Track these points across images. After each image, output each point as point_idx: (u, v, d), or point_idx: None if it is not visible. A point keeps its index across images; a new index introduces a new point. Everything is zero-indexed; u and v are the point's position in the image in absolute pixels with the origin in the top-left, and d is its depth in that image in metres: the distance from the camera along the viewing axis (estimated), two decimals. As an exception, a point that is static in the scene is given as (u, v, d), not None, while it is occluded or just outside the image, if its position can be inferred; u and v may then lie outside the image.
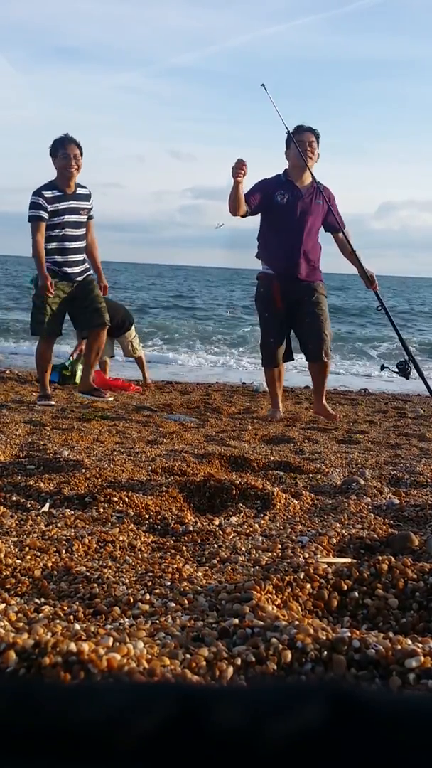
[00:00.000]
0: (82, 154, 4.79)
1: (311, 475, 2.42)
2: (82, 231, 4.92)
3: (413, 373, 4.58)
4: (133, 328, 6.75)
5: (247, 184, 4.47)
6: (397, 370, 4.63)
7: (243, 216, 4.50)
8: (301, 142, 4.53)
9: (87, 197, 4.95)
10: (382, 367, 4.88)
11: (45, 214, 4.71)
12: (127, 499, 1.83)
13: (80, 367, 6.67)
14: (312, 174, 4.58)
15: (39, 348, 4.99)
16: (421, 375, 4.55)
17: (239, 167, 4.29)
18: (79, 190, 4.89)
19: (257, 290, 4.77)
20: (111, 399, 5.01)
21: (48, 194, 4.73)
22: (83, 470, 2.19)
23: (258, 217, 4.70)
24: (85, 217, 4.94)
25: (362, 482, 2.21)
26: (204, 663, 0.85)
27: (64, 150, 4.75)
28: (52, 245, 4.78)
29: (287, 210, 4.54)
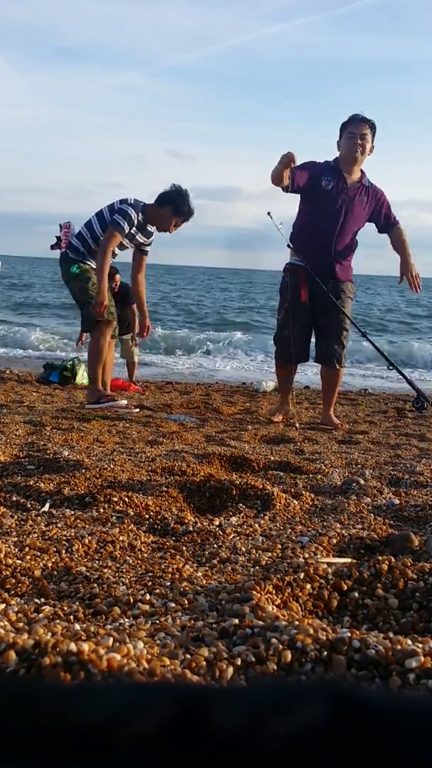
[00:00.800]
0: None
1: (311, 476, 2.42)
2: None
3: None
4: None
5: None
6: (414, 408, 4.81)
7: (285, 189, 4.21)
8: (351, 133, 4.29)
9: (151, 235, 4.85)
10: (399, 411, 4.98)
11: (127, 230, 4.56)
12: (127, 499, 1.83)
13: (82, 367, 6.69)
14: (362, 170, 4.36)
15: (99, 342, 4.66)
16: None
17: (289, 161, 4.01)
18: (150, 228, 4.80)
19: (282, 281, 4.51)
20: (124, 402, 4.66)
21: (138, 217, 4.60)
22: (83, 470, 2.19)
23: (296, 204, 4.47)
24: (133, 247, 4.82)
25: (362, 482, 2.21)
26: (204, 663, 0.85)
27: (179, 219, 4.66)
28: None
29: (330, 198, 4.30)
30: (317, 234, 4.35)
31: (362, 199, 4.36)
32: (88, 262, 4.69)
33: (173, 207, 4.62)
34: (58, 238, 4.77)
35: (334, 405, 4.66)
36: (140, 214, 4.60)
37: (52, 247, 4.82)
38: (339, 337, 4.45)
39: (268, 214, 4.42)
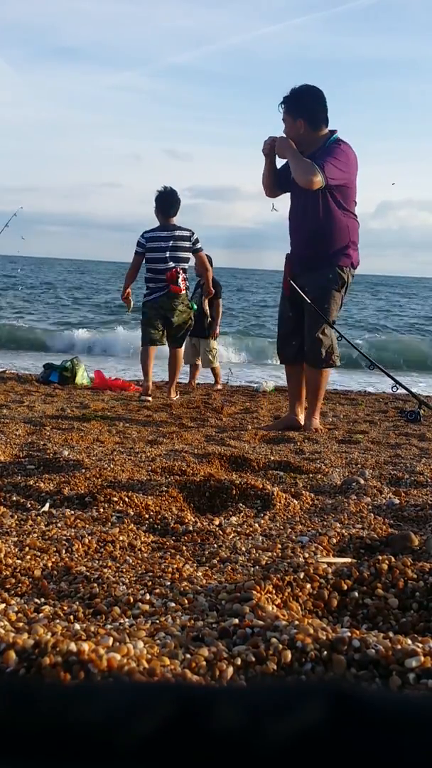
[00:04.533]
0: None
1: (311, 475, 2.42)
2: None
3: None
4: (214, 339, 7.04)
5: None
6: (409, 419, 4.51)
7: (276, 196, 4.01)
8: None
9: None
10: (409, 416, 4.57)
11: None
12: (127, 499, 1.83)
13: (81, 367, 6.69)
14: (322, 134, 3.88)
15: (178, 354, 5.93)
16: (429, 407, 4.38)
17: (268, 144, 3.89)
18: None
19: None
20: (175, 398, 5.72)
21: None
22: (83, 470, 2.19)
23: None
24: None
25: (362, 482, 2.21)
26: (204, 663, 0.85)
27: None
28: None
29: (292, 186, 3.98)
30: (291, 224, 4.04)
31: None
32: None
33: None
34: (175, 282, 5.56)
35: (318, 412, 4.16)
36: None
37: (173, 289, 5.58)
38: (312, 333, 3.96)
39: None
